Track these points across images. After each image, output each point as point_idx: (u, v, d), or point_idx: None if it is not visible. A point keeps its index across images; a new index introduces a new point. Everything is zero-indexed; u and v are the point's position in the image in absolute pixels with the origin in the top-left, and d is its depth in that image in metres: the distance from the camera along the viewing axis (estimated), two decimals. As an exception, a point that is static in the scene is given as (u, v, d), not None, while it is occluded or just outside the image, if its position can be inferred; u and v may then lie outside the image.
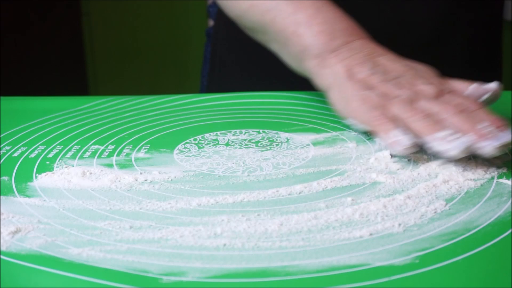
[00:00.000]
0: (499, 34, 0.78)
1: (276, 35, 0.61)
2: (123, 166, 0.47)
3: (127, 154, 0.49)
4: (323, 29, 0.56)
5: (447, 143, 0.43)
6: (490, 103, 0.51)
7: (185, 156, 0.49)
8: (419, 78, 0.50)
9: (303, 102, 0.63)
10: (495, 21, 0.77)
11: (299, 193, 0.41)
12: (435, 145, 0.44)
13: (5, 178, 0.45)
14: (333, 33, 0.55)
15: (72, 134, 0.54)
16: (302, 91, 0.66)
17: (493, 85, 0.51)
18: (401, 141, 0.45)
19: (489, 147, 0.42)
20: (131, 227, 0.37)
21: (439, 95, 0.48)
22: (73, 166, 0.47)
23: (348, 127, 0.55)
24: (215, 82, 0.82)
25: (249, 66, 0.77)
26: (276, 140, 0.52)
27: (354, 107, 0.51)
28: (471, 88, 0.51)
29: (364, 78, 0.51)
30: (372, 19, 0.70)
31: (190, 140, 0.52)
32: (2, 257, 0.33)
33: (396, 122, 0.47)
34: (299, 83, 0.71)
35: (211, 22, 0.86)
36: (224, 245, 0.34)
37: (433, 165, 0.45)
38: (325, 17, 0.57)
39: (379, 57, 0.53)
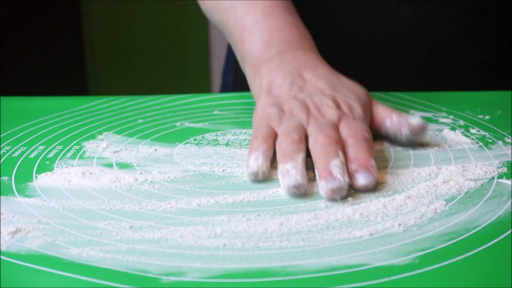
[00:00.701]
0: None
1: (228, 37, 0.60)
2: (123, 166, 0.47)
3: (127, 154, 0.49)
4: (262, 37, 0.55)
5: (284, 176, 0.41)
6: (415, 138, 0.48)
7: (185, 156, 0.49)
8: (330, 99, 0.48)
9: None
10: None
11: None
12: (278, 176, 0.42)
13: (5, 178, 0.45)
14: (270, 42, 0.54)
15: (72, 134, 0.54)
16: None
17: (415, 120, 0.47)
18: (250, 166, 0.43)
19: (323, 188, 0.39)
20: (131, 227, 0.37)
21: (336, 121, 0.46)
22: (73, 166, 0.47)
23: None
24: (240, 81, 0.82)
25: None
26: (276, 140, 0.52)
27: (255, 122, 0.49)
28: (392, 119, 0.48)
29: (279, 93, 0.50)
30: (393, 21, 0.70)
31: (190, 140, 0.52)
32: (2, 257, 0.33)
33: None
34: None
35: None
36: (224, 245, 0.34)
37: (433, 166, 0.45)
38: (269, 24, 0.55)
39: (307, 70, 0.51)
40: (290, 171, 0.41)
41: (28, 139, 0.53)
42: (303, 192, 0.40)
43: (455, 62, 0.72)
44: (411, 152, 0.48)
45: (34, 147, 0.51)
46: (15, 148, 0.51)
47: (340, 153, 0.41)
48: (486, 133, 0.52)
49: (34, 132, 0.55)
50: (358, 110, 0.48)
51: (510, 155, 0.47)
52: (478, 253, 0.33)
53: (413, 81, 0.72)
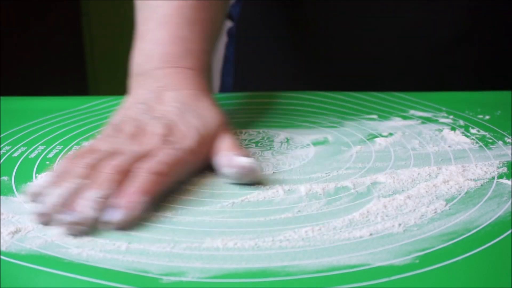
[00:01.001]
0: None
1: None
2: (123, 166, 0.47)
3: (127, 154, 0.49)
4: (146, 48, 0.52)
5: (40, 199, 0.38)
6: (241, 179, 0.42)
7: (185, 156, 0.49)
8: (163, 128, 0.44)
9: (303, 102, 0.63)
10: None
11: (299, 193, 0.41)
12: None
13: (5, 178, 0.44)
14: (151, 55, 0.51)
15: (72, 134, 0.54)
16: (302, 91, 0.66)
17: (244, 162, 0.42)
18: (33, 185, 0.40)
19: (60, 220, 0.36)
20: (131, 227, 0.37)
21: (151, 150, 0.42)
22: (73, 166, 0.47)
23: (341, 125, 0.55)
24: (240, 82, 0.83)
25: (272, 66, 0.78)
26: (276, 140, 0.52)
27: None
28: (220, 155, 0.44)
29: (128, 113, 0.47)
30: (393, 22, 0.70)
31: (190, 140, 0.52)
32: (2, 257, 0.33)
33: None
34: (322, 82, 0.71)
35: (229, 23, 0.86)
36: (224, 245, 0.34)
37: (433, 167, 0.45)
38: (157, 35, 0.52)
39: (170, 91, 0.48)
40: (44, 195, 0.38)
41: (28, 139, 0.53)
42: (46, 222, 0.36)
43: (455, 62, 0.72)
44: (411, 152, 0.48)
45: (34, 147, 0.51)
46: (15, 148, 0.51)
47: (112, 186, 0.38)
48: (486, 133, 0.52)
49: (34, 132, 0.55)
50: (189, 141, 0.44)
51: (510, 155, 0.47)
52: (478, 253, 0.33)
53: (413, 81, 0.72)
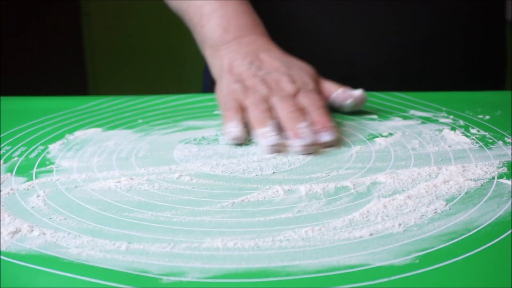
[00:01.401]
0: (502, 34, 0.78)
1: (188, 23, 0.67)
2: (122, 166, 0.47)
3: (127, 154, 0.49)
4: (219, 22, 0.61)
5: (263, 138, 0.48)
6: (356, 107, 0.57)
7: (185, 156, 0.49)
8: (286, 76, 0.54)
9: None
10: (497, 21, 0.77)
11: (299, 193, 0.41)
12: (256, 138, 0.50)
13: (5, 177, 0.44)
14: (227, 27, 0.60)
15: (72, 134, 0.54)
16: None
17: (357, 92, 0.56)
18: (232, 132, 0.50)
19: (296, 145, 0.47)
20: (130, 227, 0.37)
21: (294, 94, 0.52)
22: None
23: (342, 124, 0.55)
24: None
25: None
26: (276, 140, 0.52)
27: (221, 97, 0.55)
28: (337, 92, 0.56)
29: (240, 72, 0.56)
30: (370, 20, 0.71)
31: (190, 140, 0.52)
32: (2, 257, 0.33)
33: (244, 113, 0.51)
34: None
35: None
36: (224, 245, 0.34)
37: (433, 166, 0.45)
38: (225, 11, 0.61)
39: (263, 53, 0.57)
40: (268, 133, 0.48)
41: (28, 139, 0.53)
42: (278, 150, 0.48)
43: (436, 59, 0.73)
44: (411, 152, 0.48)
45: (34, 147, 0.51)
46: (15, 148, 0.51)
47: (304, 118, 0.49)
48: (486, 133, 0.52)
49: (34, 132, 0.55)
50: (311, 84, 0.54)
51: (510, 155, 0.47)
52: (478, 253, 0.33)
53: (390, 81, 0.73)
